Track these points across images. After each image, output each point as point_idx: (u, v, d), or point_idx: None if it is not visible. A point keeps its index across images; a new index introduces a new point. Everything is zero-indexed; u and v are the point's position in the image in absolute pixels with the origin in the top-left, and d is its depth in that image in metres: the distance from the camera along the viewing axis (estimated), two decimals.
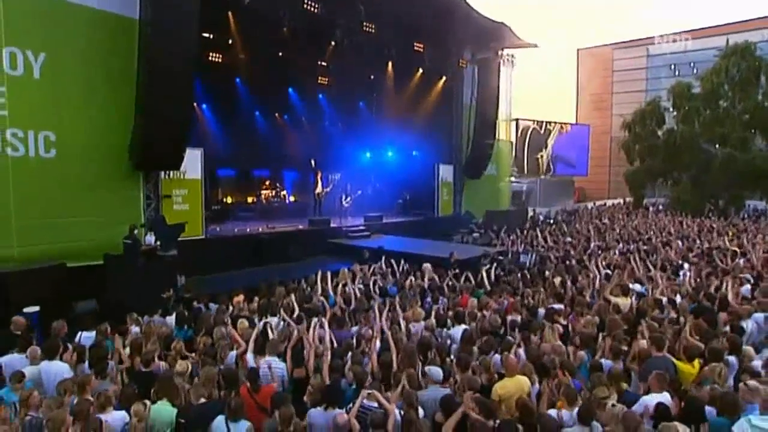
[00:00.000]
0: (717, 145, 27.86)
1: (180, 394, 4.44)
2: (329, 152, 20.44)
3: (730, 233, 16.29)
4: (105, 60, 9.81)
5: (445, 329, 6.33)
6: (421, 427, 3.74)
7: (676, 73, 44.71)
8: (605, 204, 34.87)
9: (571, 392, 4.29)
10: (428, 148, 20.30)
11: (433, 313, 6.77)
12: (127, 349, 5.62)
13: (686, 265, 10.80)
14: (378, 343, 5.58)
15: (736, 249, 12.47)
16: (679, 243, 14.39)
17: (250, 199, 19.60)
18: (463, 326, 6.24)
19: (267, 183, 20.41)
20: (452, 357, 5.50)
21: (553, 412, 4.22)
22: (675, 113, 29.73)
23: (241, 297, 7.88)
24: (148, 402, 4.21)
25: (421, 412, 4.10)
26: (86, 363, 5.27)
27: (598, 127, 45.37)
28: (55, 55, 9.23)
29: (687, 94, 28.97)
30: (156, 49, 9.52)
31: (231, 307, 7.46)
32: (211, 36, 14.53)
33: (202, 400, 4.36)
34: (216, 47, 15.44)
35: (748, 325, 6.41)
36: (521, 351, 5.49)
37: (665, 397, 4.34)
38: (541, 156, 33.70)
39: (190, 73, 10.27)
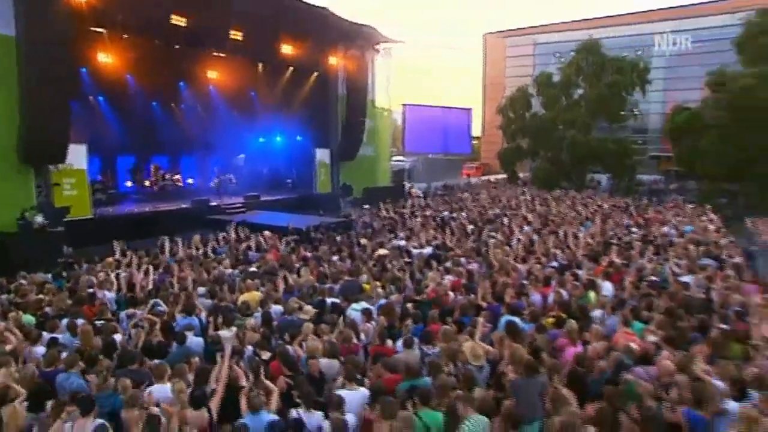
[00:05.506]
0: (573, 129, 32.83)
1: (39, 311, 7.53)
2: (225, 138, 23.04)
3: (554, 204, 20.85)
4: None
5: (236, 270, 9.75)
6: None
7: (561, 60, 49.95)
8: (489, 179, 39.79)
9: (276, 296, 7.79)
10: (309, 134, 23.47)
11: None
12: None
13: (470, 227, 14.93)
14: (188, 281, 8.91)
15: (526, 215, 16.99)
16: (497, 210, 18.93)
17: (147, 183, 21.92)
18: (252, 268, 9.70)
19: (164, 168, 22.80)
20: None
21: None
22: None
23: (110, 259, 10.83)
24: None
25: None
26: None
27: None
28: None
29: (548, 83, 33.80)
30: (31, 62, 11.83)
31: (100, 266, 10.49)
32: (104, 31, 16.23)
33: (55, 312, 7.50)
34: (105, 46, 17.30)
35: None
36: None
37: (362, 305, 7.90)
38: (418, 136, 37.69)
39: (65, 81, 12.58)
